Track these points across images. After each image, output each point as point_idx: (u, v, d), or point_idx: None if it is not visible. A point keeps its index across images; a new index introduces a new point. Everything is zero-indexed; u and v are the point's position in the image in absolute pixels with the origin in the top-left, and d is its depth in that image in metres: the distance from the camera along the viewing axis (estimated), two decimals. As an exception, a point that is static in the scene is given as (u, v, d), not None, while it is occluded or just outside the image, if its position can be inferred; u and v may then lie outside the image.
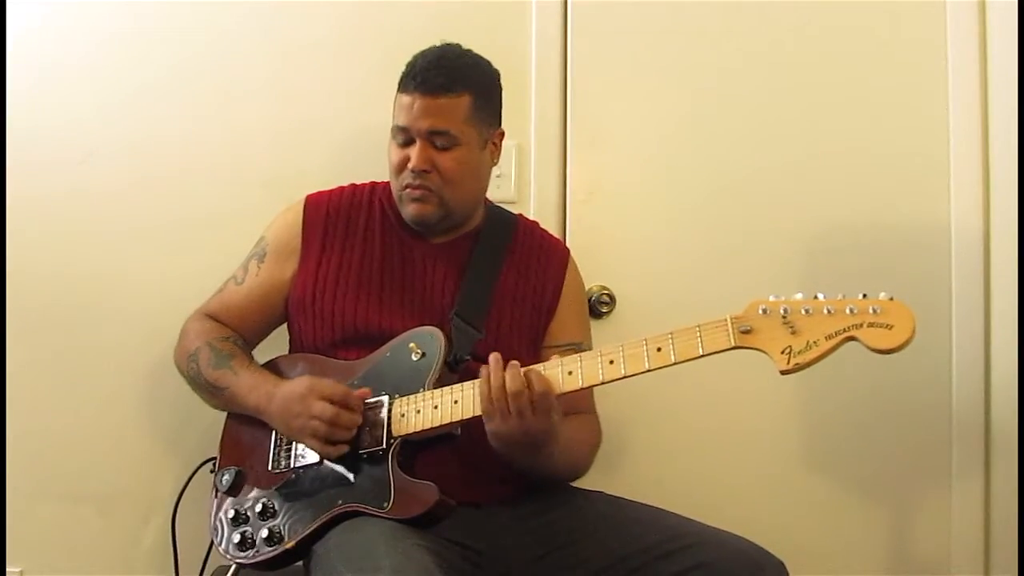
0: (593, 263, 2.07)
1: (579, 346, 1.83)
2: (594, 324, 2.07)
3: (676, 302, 2.17)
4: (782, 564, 1.59)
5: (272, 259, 1.86)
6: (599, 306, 2.14)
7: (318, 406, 1.62)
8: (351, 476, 1.63)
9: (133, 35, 2.15)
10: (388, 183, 1.86)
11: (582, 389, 1.57)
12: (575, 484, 1.78)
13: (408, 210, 1.80)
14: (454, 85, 1.76)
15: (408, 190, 1.78)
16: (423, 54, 1.79)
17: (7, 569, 2.06)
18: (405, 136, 1.78)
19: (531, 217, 2.02)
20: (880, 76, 2.23)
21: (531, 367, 1.57)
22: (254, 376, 1.74)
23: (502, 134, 1.87)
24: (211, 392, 1.78)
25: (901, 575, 2.20)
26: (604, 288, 2.16)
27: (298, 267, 1.83)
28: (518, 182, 2.16)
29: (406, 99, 1.77)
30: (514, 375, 1.54)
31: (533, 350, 1.82)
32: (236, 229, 1.97)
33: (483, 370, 1.57)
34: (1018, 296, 2.07)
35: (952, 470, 2.20)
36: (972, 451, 2.19)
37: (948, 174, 2.20)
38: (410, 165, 1.76)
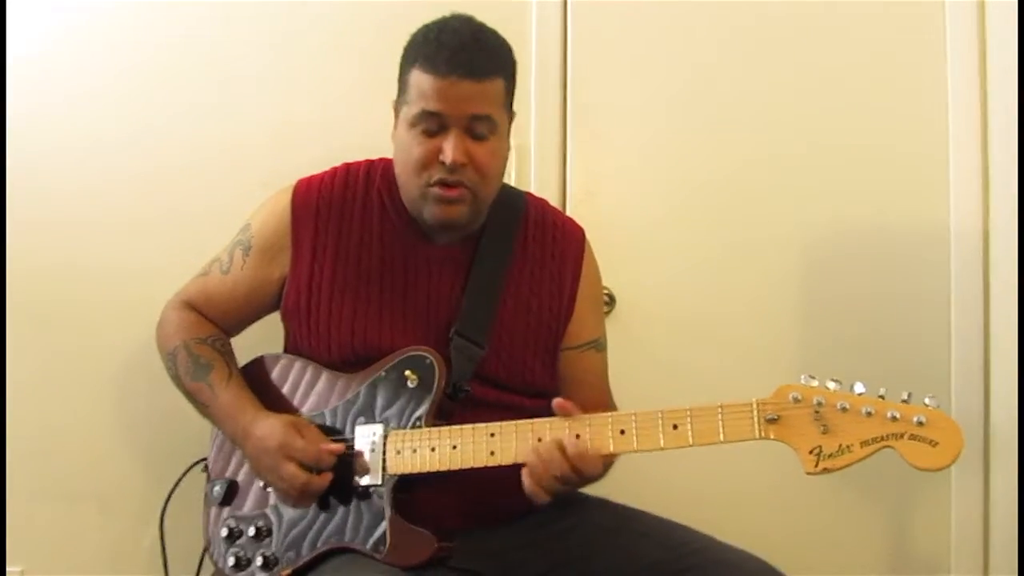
0: (593, 263, 2.06)
1: (597, 343, 1.76)
2: (594, 324, 2.07)
3: (676, 302, 2.18)
4: None
5: (258, 255, 1.72)
6: (599, 306, 2.14)
7: (288, 470, 1.54)
8: (346, 508, 1.58)
9: (132, 34, 2.16)
10: (385, 164, 1.68)
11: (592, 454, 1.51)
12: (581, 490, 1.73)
13: (435, 211, 1.60)
14: (493, 67, 1.57)
15: (439, 188, 1.57)
16: (446, 29, 1.57)
17: (7, 569, 2.05)
18: (436, 123, 1.55)
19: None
20: (880, 76, 2.22)
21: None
22: (230, 402, 1.64)
23: (514, 116, 1.69)
24: (189, 399, 1.71)
25: (901, 575, 2.20)
26: (604, 288, 2.14)
27: (289, 271, 1.69)
28: (518, 182, 2.14)
29: (438, 82, 1.53)
30: (559, 461, 1.47)
31: (548, 358, 1.72)
32: (237, 228, 1.96)
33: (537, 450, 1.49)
34: (1018, 296, 2.07)
35: (952, 470, 2.18)
36: (971, 451, 2.18)
37: (948, 174, 2.20)
38: (445, 159, 1.54)
